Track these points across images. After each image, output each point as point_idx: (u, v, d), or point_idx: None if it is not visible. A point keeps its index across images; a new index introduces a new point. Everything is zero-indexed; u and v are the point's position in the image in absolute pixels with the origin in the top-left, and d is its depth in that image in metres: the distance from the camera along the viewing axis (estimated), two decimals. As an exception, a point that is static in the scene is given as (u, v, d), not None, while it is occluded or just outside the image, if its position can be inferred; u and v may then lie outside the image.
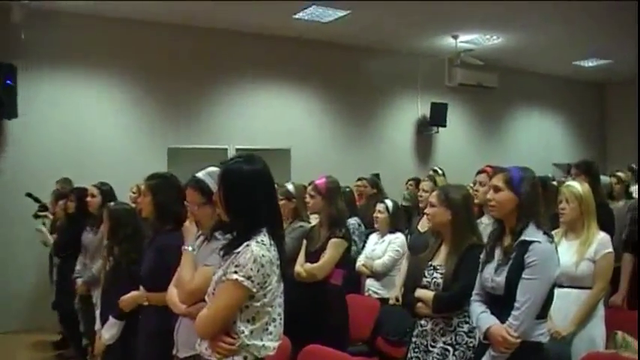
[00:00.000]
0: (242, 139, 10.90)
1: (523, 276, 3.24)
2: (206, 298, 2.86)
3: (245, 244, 2.72)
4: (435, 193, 4.06)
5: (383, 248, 6.25)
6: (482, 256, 3.53)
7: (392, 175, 11.15)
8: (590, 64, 14.36)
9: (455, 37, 11.80)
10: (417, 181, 8.20)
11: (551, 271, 3.31)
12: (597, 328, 4.28)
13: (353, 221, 6.98)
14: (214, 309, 2.74)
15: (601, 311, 4.35)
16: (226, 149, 10.53)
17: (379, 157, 12.54)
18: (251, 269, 2.65)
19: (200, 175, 3.48)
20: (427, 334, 3.87)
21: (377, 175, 10.58)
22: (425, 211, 4.28)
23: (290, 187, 5.71)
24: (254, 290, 2.67)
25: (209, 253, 3.28)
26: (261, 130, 11.27)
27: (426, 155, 13.45)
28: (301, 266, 4.95)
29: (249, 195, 2.79)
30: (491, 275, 3.39)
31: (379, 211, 6.41)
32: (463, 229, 3.87)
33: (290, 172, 11.01)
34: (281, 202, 5.56)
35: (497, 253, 3.43)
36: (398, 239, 6.22)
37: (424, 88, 13.28)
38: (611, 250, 4.37)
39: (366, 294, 6.20)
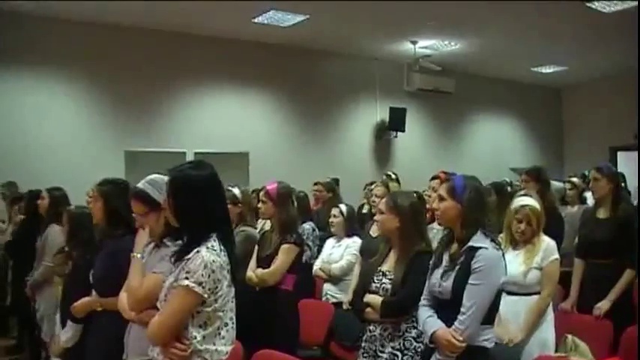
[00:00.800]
0: (200, 142, 10.88)
1: (469, 281, 3.29)
2: (158, 304, 2.88)
3: (195, 250, 2.75)
4: (383, 200, 4.11)
5: (340, 252, 6.31)
6: (431, 261, 3.58)
7: (351, 179, 11.23)
8: (548, 70, 14.58)
9: (414, 43, 11.93)
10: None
11: (497, 277, 3.36)
12: (548, 332, 4.39)
13: (307, 226, 7.05)
14: (166, 315, 2.76)
15: (550, 315, 4.45)
16: (184, 153, 10.48)
17: (338, 161, 12.61)
18: (202, 275, 2.69)
19: (140, 185, 3.48)
20: (376, 339, 3.90)
21: (336, 180, 10.63)
22: (374, 217, 4.31)
23: (236, 191, 5.71)
24: (205, 296, 2.71)
25: (158, 259, 3.30)
26: (220, 133, 11.26)
27: (385, 160, 13.52)
28: (253, 271, 4.96)
29: (199, 201, 2.83)
30: (439, 280, 3.44)
31: (334, 216, 6.48)
32: (411, 236, 3.91)
33: (248, 176, 11.05)
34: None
35: (446, 258, 3.48)
36: (355, 243, 6.26)
37: (383, 93, 13.36)
38: (557, 256, 4.46)
39: (324, 298, 6.24)
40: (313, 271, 6.41)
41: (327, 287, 6.29)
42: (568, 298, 5.43)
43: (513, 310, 4.36)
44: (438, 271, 3.48)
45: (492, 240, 3.40)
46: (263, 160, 11.51)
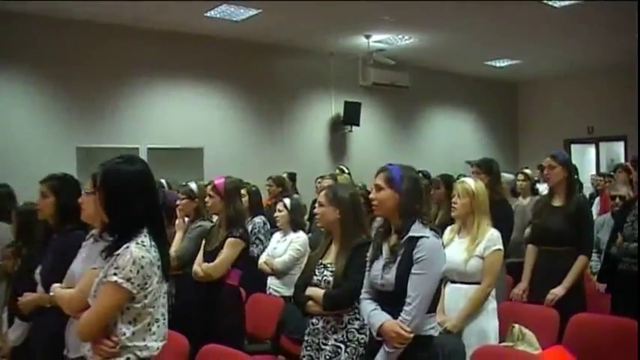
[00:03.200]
0: (154, 138, 10.83)
1: (412, 271, 3.28)
2: (89, 300, 2.87)
3: (125, 245, 2.75)
4: (322, 193, 4.11)
5: (284, 247, 6.31)
6: (368, 253, 3.57)
7: (307, 173, 11.18)
8: (502, 63, 14.68)
9: (367, 37, 11.91)
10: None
11: (439, 266, 3.36)
12: (488, 322, 4.42)
13: (258, 220, 7.04)
14: (94, 311, 2.77)
15: (492, 305, 4.47)
16: (137, 149, 10.39)
17: (294, 155, 12.59)
18: (130, 271, 2.70)
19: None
20: (319, 332, 3.92)
21: (293, 174, 10.69)
22: (315, 210, 4.31)
23: (193, 186, 5.75)
24: (134, 292, 2.72)
25: (97, 254, 3.22)
26: (174, 129, 11.17)
27: (341, 154, 13.55)
28: (199, 265, 4.96)
29: (128, 196, 2.83)
30: (380, 272, 3.42)
31: (279, 210, 6.49)
32: (352, 228, 3.92)
33: (203, 171, 11.05)
34: (183, 202, 5.68)
35: (385, 250, 3.47)
36: (300, 238, 6.28)
37: (338, 87, 13.36)
38: (499, 247, 4.50)
39: (268, 292, 6.25)
40: (258, 264, 6.41)
41: (271, 281, 6.29)
42: (519, 283, 5.47)
43: (454, 298, 4.43)
44: (379, 263, 3.46)
45: (432, 229, 3.40)
46: (218, 155, 11.46)
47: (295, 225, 6.42)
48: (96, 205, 2.94)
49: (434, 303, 3.38)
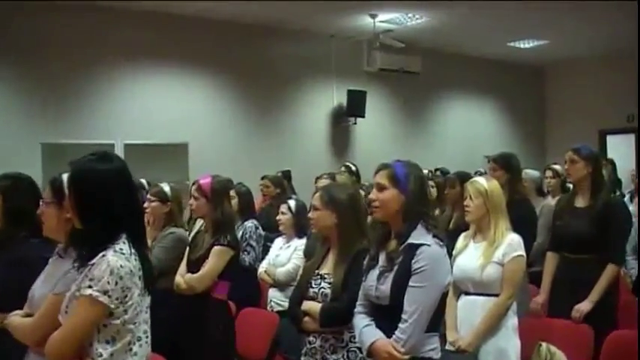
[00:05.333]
0: (131, 132, 10.81)
1: (410, 283, 3.28)
2: (59, 317, 2.83)
3: (101, 254, 2.74)
4: (317, 195, 4.11)
5: (288, 255, 6.32)
6: (365, 262, 3.57)
7: (304, 172, 11.09)
8: (527, 44, 14.56)
9: (373, 17, 11.86)
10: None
11: (442, 278, 3.35)
12: (508, 340, 4.37)
13: (250, 224, 7.04)
14: (67, 330, 2.75)
15: (512, 320, 4.43)
16: (113, 145, 10.39)
17: (290, 151, 12.58)
18: (108, 282, 2.68)
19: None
20: (316, 352, 3.90)
21: (288, 173, 10.67)
22: (309, 215, 4.30)
23: (166, 187, 5.68)
24: (112, 306, 2.70)
25: (60, 275, 3.13)
26: (154, 122, 11.14)
27: (343, 149, 13.52)
28: (182, 277, 4.95)
29: (104, 197, 2.83)
30: (375, 283, 3.43)
31: (282, 212, 6.49)
32: (351, 233, 3.92)
33: (188, 170, 11.08)
34: (153, 205, 5.57)
35: (382, 258, 3.46)
36: (305, 245, 6.24)
37: (340, 74, 13.31)
38: (521, 252, 4.44)
39: (268, 306, 6.26)
40: (258, 274, 6.43)
41: (272, 294, 6.30)
42: (537, 296, 5.45)
43: (469, 312, 4.41)
44: (374, 273, 3.47)
45: (435, 235, 3.39)
46: (204, 151, 11.45)
47: (300, 230, 6.38)
48: (60, 216, 2.96)
49: (435, 320, 3.38)
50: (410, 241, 3.35)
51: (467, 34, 13.47)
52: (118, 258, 2.74)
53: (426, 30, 12.82)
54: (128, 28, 10.83)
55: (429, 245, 3.33)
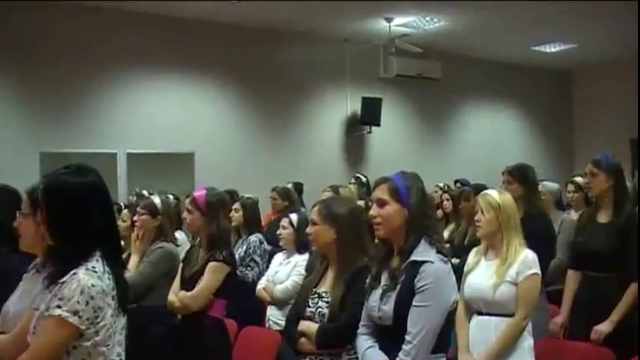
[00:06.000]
0: (134, 141, 10.84)
1: (414, 303, 3.27)
2: (28, 337, 2.81)
3: (72, 272, 2.71)
4: (315, 209, 4.08)
5: (287, 271, 6.29)
6: (367, 281, 3.55)
7: (316, 183, 10.97)
8: (553, 48, 14.54)
9: (388, 20, 11.88)
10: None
11: (447, 296, 3.34)
12: (523, 363, 4.33)
13: (254, 238, 7.07)
14: (33, 352, 2.72)
15: (528, 342, 4.35)
16: (115, 154, 10.47)
17: (302, 162, 12.59)
18: (78, 302, 2.65)
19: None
20: None
21: (300, 185, 10.64)
22: (306, 230, 4.27)
23: (156, 200, 5.70)
24: (83, 327, 2.67)
25: (38, 290, 3.13)
26: (159, 130, 11.17)
27: (358, 159, 13.50)
28: (175, 295, 4.94)
29: (77, 213, 2.81)
30: (378, 303, 3.41)
31: (283, 227, 6.45)
32: (350, 249, 3.90)
33: (194, 180, 11.07)
34: (143, 218, 5.60)
35: (384, 277, 3.44)
36: (306, 261, 6.19)
37: (354, 81, 13.31)
38: (536, 270, 4.35)
39: (267, 324, 6.23)
40: (256, 291, 6.41)
41: (271, 312, 6.27)
42: (557, 316, 5.40)
43: (481, 333, 4.33)
44: (376, 293, 3.45)
45: (439, 251, 3.38)
46: (211, 161, 11.46)
47: (301, 245, 6.32)
48: (37, 229, 2.92)
49: (441, 341, 3.36)
50: (413, 258, 3.35)
51: (489, 39, 13.47)
52: (89, 277, 2.71)
53: (445, 34, 12.81)
54: (131, 33, 10.86)
55: (432, 262, 3.32)
